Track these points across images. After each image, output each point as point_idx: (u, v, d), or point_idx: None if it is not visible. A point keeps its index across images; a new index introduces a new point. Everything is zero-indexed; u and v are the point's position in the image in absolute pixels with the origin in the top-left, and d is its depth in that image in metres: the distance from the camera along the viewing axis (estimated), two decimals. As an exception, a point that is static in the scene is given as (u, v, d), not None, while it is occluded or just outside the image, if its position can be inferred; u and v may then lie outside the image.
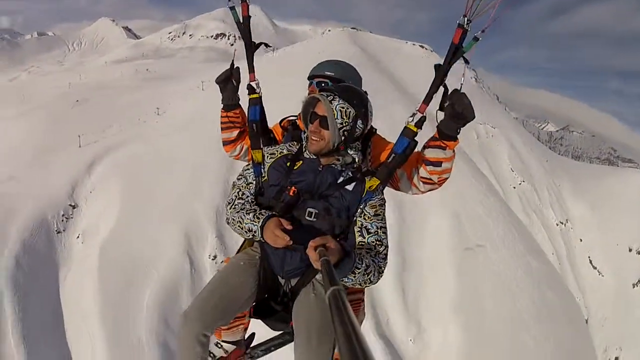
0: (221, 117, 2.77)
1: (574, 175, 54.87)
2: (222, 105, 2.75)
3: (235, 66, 2.65)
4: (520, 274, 27.64)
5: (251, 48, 2.59)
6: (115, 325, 22.04)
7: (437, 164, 2.31)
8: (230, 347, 2.71)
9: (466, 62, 2.23)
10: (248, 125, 2.55)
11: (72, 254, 25.46)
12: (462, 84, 2.20)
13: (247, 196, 2.34)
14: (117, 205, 27.32)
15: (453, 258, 28.17)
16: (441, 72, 2.21)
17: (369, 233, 2.14)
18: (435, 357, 24.46)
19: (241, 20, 2.51)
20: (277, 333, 2.93)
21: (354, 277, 1.94)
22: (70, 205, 27.42)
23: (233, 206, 2.31)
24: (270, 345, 3.04)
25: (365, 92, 2.53)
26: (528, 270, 28.21)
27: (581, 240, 46.30)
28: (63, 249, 25.34)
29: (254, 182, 2.34)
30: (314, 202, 2.18)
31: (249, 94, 2.57)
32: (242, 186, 2.37)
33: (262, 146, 2.45)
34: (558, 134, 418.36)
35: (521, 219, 36.17)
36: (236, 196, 2.35)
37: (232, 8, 2.49)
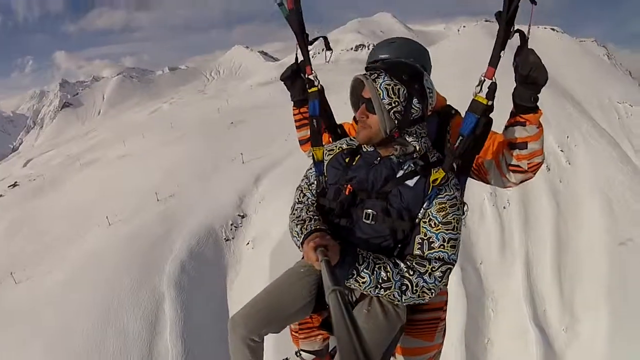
0: (294, 114, 2.83)
1: None
2: (293, 102, 2.80)
3: (300, 60, 2.64)
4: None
5: (304, 42, 2.51)
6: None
7: (522, 145, 2.10)
8: (309, 357, 2.67)
9: (533, 2, 1.85)
10: (309, 120, 2.46)
11: (242, 260, 27.35)
12: (528, 35, 1.96)
13: (308, 198, 2.31)
14: (288, 211, 28.70)
15: (605, 247, 27.15)
16: (503, 21, 1.87)
17: (430, 248, 1.94)
18: (584, 347, 23.70)
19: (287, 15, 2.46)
20: None
21: (359, 284, 1.88)
22: (239, 215, 29.69)
23: (293, 211, 2.31)
24: None
25: (424, 67, 2.44)
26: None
27: None
28: (232, 255, 27.35)
29: (316, 183, 2.30)
30: (372, 202, 2.05)
31: (308, 88, 2.52)
32: (304, 188, 2.35)
33: (323, 143, 2.39)
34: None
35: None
36: (297, 200, 2.36)
37: (280, 4, 2.44)
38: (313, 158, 2.34)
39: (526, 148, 2.09)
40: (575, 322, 24.80)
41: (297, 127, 2.89)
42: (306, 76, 2.59)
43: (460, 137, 2.02)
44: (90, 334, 21.52)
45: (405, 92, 1.96)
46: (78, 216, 38.24)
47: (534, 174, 2.21)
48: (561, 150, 31.71)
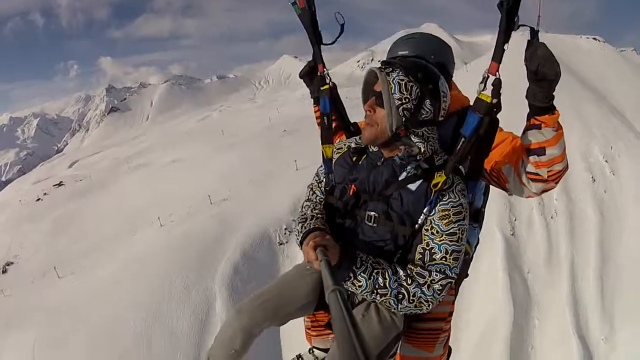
0: (315, 112, 2.81)
1: None
2: (313, 99, 2.84)
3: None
4: None
5: (316, 40, 2.54)
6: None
7: (540, 151, 2.02)
8: (321, 355, 2.73)
9: None
10: (320, 117, 2.48)
11: (296, 262, 27.89)
12: (537, 28, 1.89)
13: (317, 196, 2.35)
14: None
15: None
16: (504, 10, 1.80)
17: (432, 259, 1.93)
18: (622, 358, 23.85)
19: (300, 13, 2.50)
20: None
21: (355, 287, 1.92)
22: (293, 220, 29.56)
23: (302, 208, 2.34)
24: None
25: (444, 65, 2.45)
26: None
27: None
28: (286, 259, 27.88)
29: (325, 180, 2.31)
30: (374, 204, 2.06)
31: (320, 86, 2.54)
32: (314, 185, 2.39)
33: (333, 141, 2.39)
34: None
35: None
36: (307, 197, 2.40)
37: (294, 3, 2.48)
38: (322, 155, 2.35)
39: (544, 154, 2.02)
40: (615, 332, 25.05)
41: (318, 124, 2.75)
42: (318, 74, 2.60)
43: (462, 139, 1.99)
44: (137, 331, 22.44)
45: (418, 90, 1.94)
46: (128, 217, 39.97)
47: (556, 183, 2.14)
48: (605, 161, 31.68)
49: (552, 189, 2.17)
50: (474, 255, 2.80)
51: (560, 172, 2.07)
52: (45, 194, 61.43)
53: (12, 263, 40.53)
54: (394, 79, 1.93)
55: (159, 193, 43.47)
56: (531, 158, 2.05)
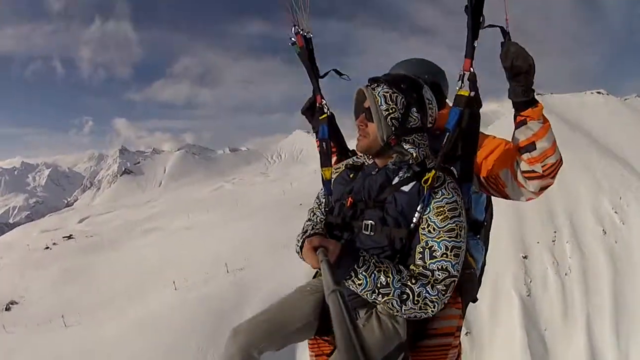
0: (317, 147, 2.77)
1: None
2: (314, 133, 2.82)
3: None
4: None
5: (314, 74, 2.74)
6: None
7: (531, 147, 2.08)
8: None
9: None
10: (319, 144, 2.59)
11: None
12: (506, 27, 2.03)
13: (317, 217, 2.39)
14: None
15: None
16: (470, 13, 1.99)
17: (432, 257, 1.92)
18: None
19: (298, 52, 2.73)
20: None
21: (356, 286, 1.88)
22: None
23: (303, 227, 2.37)
24: None
25: (438, 84, 2.68)
26: None
27: None
28: None
29: (324, 201, 2.36)
30: (370, 212, 2.08)
31: (319, 116, 2.69)
32: (315, 208, 2.45)
33: (332, 164, 2.47)
34: None
35: None
36: (308, 218, 2.45)
37: (293, 44, 2.72)
38: (322, 178, 2.41)
39: (535, 149, 2.06)
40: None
41: (318, 151, 2.79)
42: (317, 105, 2.75)
43: (447, 133, 2.07)
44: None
45: (403, 100, 2.02)
46: (139, 276, 40.75)
47: (552, 178, 2.15)
48: (615, 212, 32.07)
49: (549, 185, 2.19)
50: (481, 279, 2.82)
51: (555, 165, 2.11)
52: (54, 243, 62.53)
53: (16, 303, 41.26)
54: (379, 92, 2.04)
55: (172, 257, 44.29)
56: (524, 156, 2.11)
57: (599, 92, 64.39)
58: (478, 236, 2.70)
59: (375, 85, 2.07)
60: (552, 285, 29.04)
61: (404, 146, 2.07)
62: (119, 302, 35.70)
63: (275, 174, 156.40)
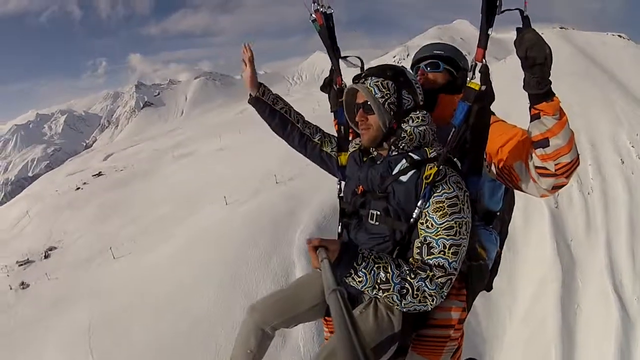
0: (335, 128, 2.87)
1: None
2: (332, 113, 2.85)
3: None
4: None
5: (335, 55, 2.73)
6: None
7: (544, 142, 1.95)
8: None
9: None
10: (337, 127, 2.68)
11: None
12: (525, 12, 1.88)
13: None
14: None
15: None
16: None
17: (430, 254, 1.95)
18: None
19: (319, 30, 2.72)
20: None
21: (356, 283, 1.91)
22: None
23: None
24: None
25: (453, 59, 2.82)
26: None
27: None
28: None
29: (338, 188, 2.51)
30: (376, 202, 2.13)
31: (338, 98, 2.67)
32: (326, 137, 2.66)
33: (349, 149, 2.55)
34: None
35: None
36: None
37: (314, 20, 2.69)
38: (337, 163, 2.60)
39: (548, 145, 1.94)
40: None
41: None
42: (336, 87, 2.75)
43: (453, 129, 2.05)
44: (212, 300, 23.14)
45: (393, 85, 2.14)
46: (181, 200, 41.25)
47: (567, 178, 2.03)
48: (632, 146, 35.97)
49: (563, 185, 2.08)
50: (499, 268, 2.94)
51: (569, 165, 1.98)
52: (84, 183, 63.41)
53: (54, 248, 41.76)
54: (370, 84, 2.15)
55: (212, 177, 44.69)
56: (537, 151, 2.00)
57: (620, 36, 63.93)
58: (491, 226, 2.73)
59: (363, 79, 2.19)
60: (577, 202, 33.54)
61: (405, 128, 2.13)
62: (163, 227, 36.32)
63: (298, 95, 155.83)
